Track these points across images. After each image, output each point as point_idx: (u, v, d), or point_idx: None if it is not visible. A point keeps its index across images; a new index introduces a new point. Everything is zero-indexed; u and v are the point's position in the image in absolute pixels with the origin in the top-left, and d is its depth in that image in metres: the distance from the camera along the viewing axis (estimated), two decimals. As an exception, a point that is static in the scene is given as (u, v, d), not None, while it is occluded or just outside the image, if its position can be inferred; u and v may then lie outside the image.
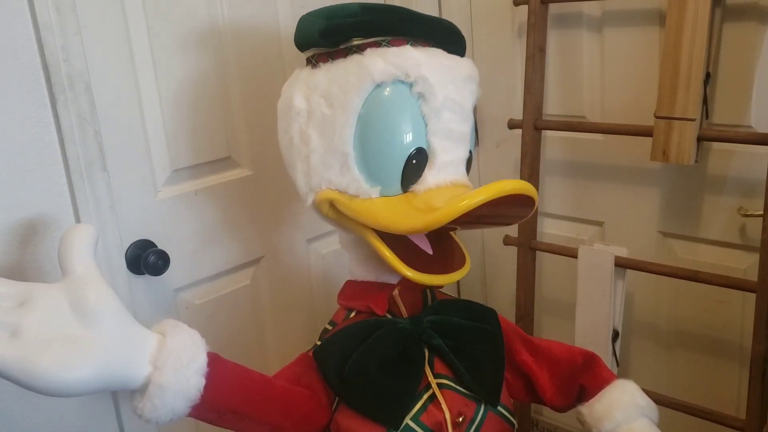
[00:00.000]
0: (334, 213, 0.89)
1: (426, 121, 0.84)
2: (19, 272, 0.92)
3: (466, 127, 0.89)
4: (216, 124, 1.18)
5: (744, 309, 1.30)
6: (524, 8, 1.41)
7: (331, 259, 1.41)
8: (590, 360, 0.98)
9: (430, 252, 0.87)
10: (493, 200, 0.75)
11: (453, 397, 0.89)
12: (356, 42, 0.86)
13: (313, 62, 0.90)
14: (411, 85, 0.83)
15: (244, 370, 0.81)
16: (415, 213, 0.81)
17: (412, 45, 0.86)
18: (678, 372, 1.45)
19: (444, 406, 0.87)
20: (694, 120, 1.18)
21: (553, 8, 1.41)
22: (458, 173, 0.87)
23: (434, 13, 1.59)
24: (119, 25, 1.03)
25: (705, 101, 1.19)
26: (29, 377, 0.62)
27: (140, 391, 0.71)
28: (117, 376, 0.68)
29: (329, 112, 0.85)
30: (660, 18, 1.28)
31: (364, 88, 0.82)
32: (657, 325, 1.46)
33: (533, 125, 1.43)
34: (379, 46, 0.84)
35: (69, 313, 0.67)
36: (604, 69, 1.40)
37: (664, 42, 1.19)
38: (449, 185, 0.84)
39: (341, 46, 0.87)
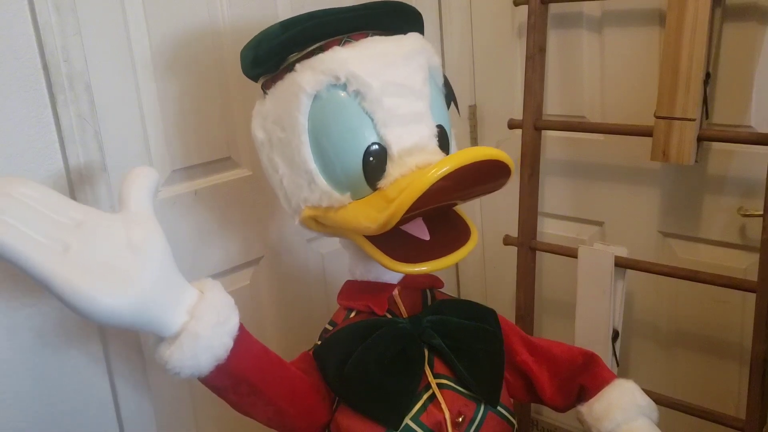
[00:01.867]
0: (322, 226, 0.89)
1: (371, 115, 0.82)
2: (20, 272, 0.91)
3: (419, 105, 0.85)
4: (216, 124, 1.18)
5: (744, 309, 1.30)
6: (524, 8, 1.41)
7: (331, 259, 1.41)
8: (590, 360, 0.98)
9: (426, 238, 0.86)
10: (462, 173, 0.72)
11: (453, 397, 0.89)
12: (292, 59, 0.86)
13: (263, 90, 0.91)
14: (345, 86, 0.82)
15: (264, 347, 0.83)
16: (381, 208, 0.79)
17: (344, 43, 0.85)
18: (678, 372, 1.45)
19: (444, 406, 0.87)
20: (694, 120, 1.18)
21: (553, 8, 1.41)
22: (425, 154, 0.83)
23: (434, 13, 1.59)
24: (119, 25, 1.03)
25: (705, 101, 1.19)
26: (70, 293, 0.64)
27: (170, 338, 0.72)
28: (152, 315, 0.70)
29: (284, 136, 0.86)
30: (660, 18, 1.28)
31: (303, 103, 0.83)
32: (657, 325, 1.46)
33: (533, 125, 1.43)
34: (311, 57, 0.84)
35: (121, 244, 0.69)
36: (604, 69, 1.40)
37: (664, 42, 1.19)
38: (414, 170, 0.81)
39: (281, 68, 0.87)
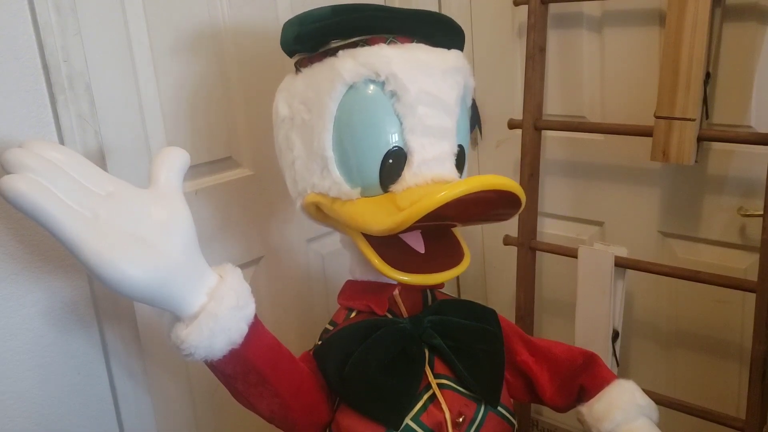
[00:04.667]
0: (322, 215, 0.89)
1: (401, 119, 0.83)
2: (21, 272, 0.91)
3: (448, 122, 0.86)
4: (216, 124, 1.18)
5: (744, 309, 1.30)
6: (524, 8, 1.41)
7: (331, 259, 1.41)
8: (590, 360, 0.98)
9: (422, 251, 0.86)
10: (472, 197, 0.73)
11: (453, 397, 0.89)
12: (334, 44, 0.86)
13: (297, 67, 0.91)
14: (383, 84, 0.82)
15: (277, 340, 0.83)
16: (389, 212, 0.79)
17: (390, 42, 0.85)
18: (678, 372, 1.45)
19: (444, 406, 0.87)
20: (694, 120, 1.18)
21: (553, 8, 1.41)
22: (443, 169, 0.85)
23: (434, 13, 1.58)
24: (119, 25, 1.03)
25: (705, 101, 1.19)
26: (96, 260, 0.65)
27: (188, 318, 0.73)
28: (172, 292, 0.71)
29: (308, 117, 0.86)
30: (660, 18, 1.28)
31: (337, 90, 0.83)
32: (657, 325, 1.46)
33: (533, 125, 1.43)
34: (355, 47, 0.84)
35: (148, 218, 0.70)
36: (604, 69, 1.40)
37: (664, 42, 1.19)
38: (429, 182, 0.82)
39: (321, 50, 0.87)
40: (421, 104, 0.83)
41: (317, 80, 0.85)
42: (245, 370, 0.78)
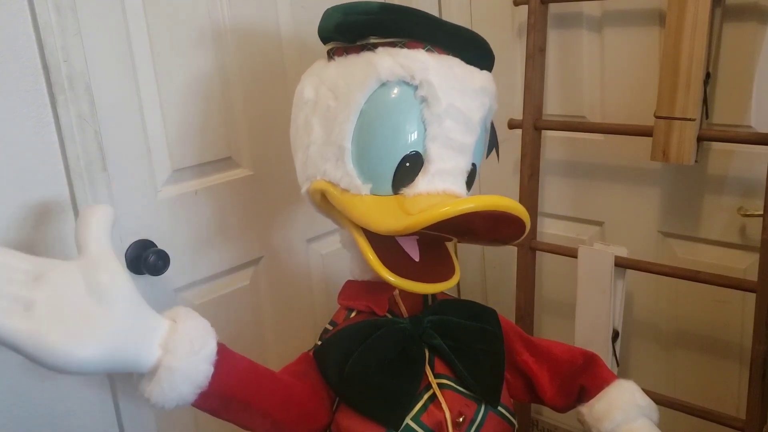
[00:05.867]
0: (325, 204, 0.89)
1: (426, 126, 0.83)
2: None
3: (469, 139, 0.87)
4: (216, 124, 1.18)
5: (744, 309, 1.30)
6: (524, 8, 1.41)
7: (331, 259, 1.41)
8: (590, 360, 0.98)
9: (416, 258, 0.87)
10: (479, 215, 0.73)
11: (453, 397, 0.89)
12: (373, 40, 0.86)
13: (330, 55, 0.91)
14: (416, 88, 0.82)
15: (250, 362, 0.82)
16: (396, 215, 0.80)
17: (427, 51, 0.85)
18: (678, 372, 1.45)
19: (444, 406, 0.87)
20: (694, 120, 1.18)
21: (553, 8, 1.41)
22: (455, 183, 0.85)
23: (434, 13, 1.58)
24: (119, 25, 1.03)
25: (705, 101, 1.19)
26: (40, 351, 0.63)
27: (149, 375, 0.72)
28: (126, 357, 0.69)
29: (334, 105, 0.86)
30: (660, 18, 1.28)
31: (369, 85, 0.83)
32: (657, 325, 1.46)
33: (533, 125, 1.43)
34: (393, 47, 0.84)
35: (83, 292, 0.67)
36: (604, 69, 1.40)
37: (664, 42, 1.19)
38: (440, 194, 0.83)
39: (358, 43, 0.87)
40: (449, 117, 0.83)
41: (351, 71, 0.85)
42: (224, 403, 0.78)
